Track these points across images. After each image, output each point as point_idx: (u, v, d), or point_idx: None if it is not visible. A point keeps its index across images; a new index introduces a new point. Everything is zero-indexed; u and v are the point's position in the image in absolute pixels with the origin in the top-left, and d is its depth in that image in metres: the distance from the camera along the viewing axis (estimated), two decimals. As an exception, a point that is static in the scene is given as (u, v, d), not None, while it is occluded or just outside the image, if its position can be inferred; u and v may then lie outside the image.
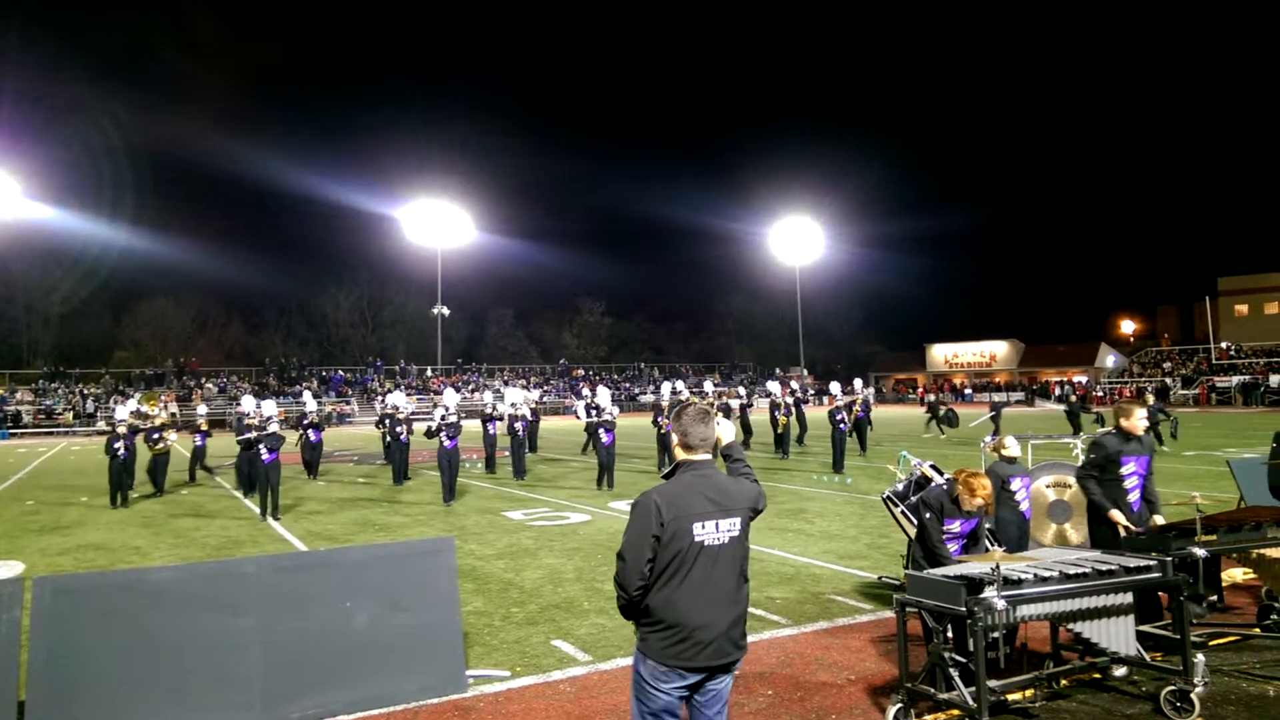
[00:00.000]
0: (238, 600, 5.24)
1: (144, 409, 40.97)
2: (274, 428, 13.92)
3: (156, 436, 16.33)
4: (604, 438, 16.41)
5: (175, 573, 5.60)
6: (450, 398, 17.55)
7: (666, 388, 23.09)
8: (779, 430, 22.07)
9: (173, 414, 16.26)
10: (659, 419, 18.89)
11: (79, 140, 60.00)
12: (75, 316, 61.83)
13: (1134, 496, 6.25)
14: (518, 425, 18.62)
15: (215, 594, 5.25)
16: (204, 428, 19.00)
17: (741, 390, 26.64)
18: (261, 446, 13.45)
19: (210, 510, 14.40)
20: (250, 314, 67.62)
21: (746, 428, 24.98)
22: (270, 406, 15.30)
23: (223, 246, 65.01)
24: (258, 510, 13.55)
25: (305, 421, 19.07)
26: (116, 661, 4.92)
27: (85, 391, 49.08)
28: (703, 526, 3.28)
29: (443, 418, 15.70)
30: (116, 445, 14.61)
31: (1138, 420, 6.35)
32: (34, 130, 58.33)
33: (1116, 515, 6.09)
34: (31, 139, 53.95)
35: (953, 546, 5.37)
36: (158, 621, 5.07)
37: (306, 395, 23.06)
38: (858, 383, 23.74)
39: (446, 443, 15.14)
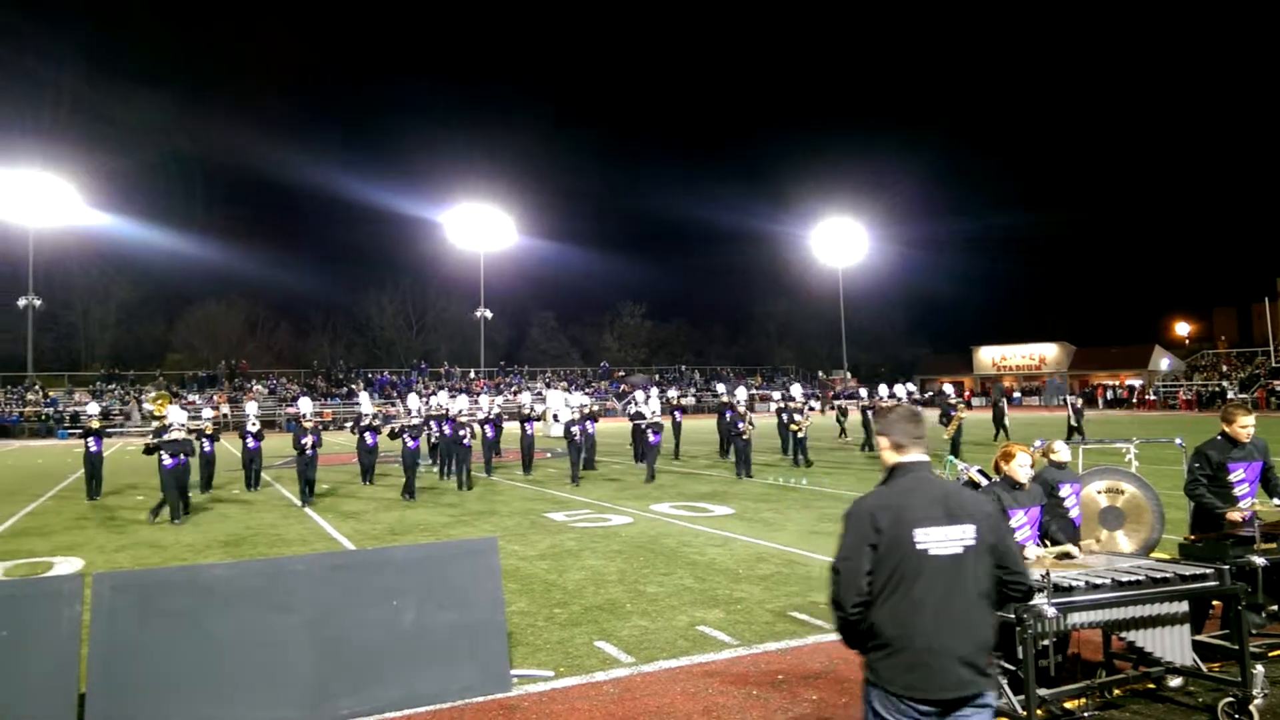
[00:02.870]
0: (289, 598, 5.34)
1: (152, 409, 41.73)
2: (178, 434, 13.88)
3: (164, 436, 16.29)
4: (651, 438, 17.55)
5: (228, 570, 5.73)
6: (413, 401, 18.11)
7: (742, 393, 22.44)
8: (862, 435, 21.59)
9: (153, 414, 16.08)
10: (730, 415, 19.01)
11: (135, 150, 61.83)
12: (130, 320, 63.69)
13: (1245, 505, 5.97)
14: (574, 430, 18.23)
15: (267, 591, 5.35)
16: (209, 431, 17.65)
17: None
18: (163, 452, 13.40)
19: (260, 509, 14.67)
20: (298, 318, 69.13)
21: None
22: (177, 413, 15.14)
23: (271, 252, 66.73)
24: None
25: (362, 424, 18.57)
26: (172, 656, 5.03)
27: (140, 393, 50.30)
28: (926, 534, 2.94)
29: (405, 419, 16.47)
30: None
31: (1240, 426, 6.05)
32: (92, 140, 60.03)
33: (1234, 514, 5.84)
34: (90, 149, 55.50)
35: (1027, 545, 5.22)
36: (211, 618, 5.18)
37: (363, 397, 23.08)
38: (911, 386, 23.50)
39: (410, 443, 15.82)
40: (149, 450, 13.72)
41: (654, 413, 18.20)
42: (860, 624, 2.96)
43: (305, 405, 17.62)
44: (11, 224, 49.98)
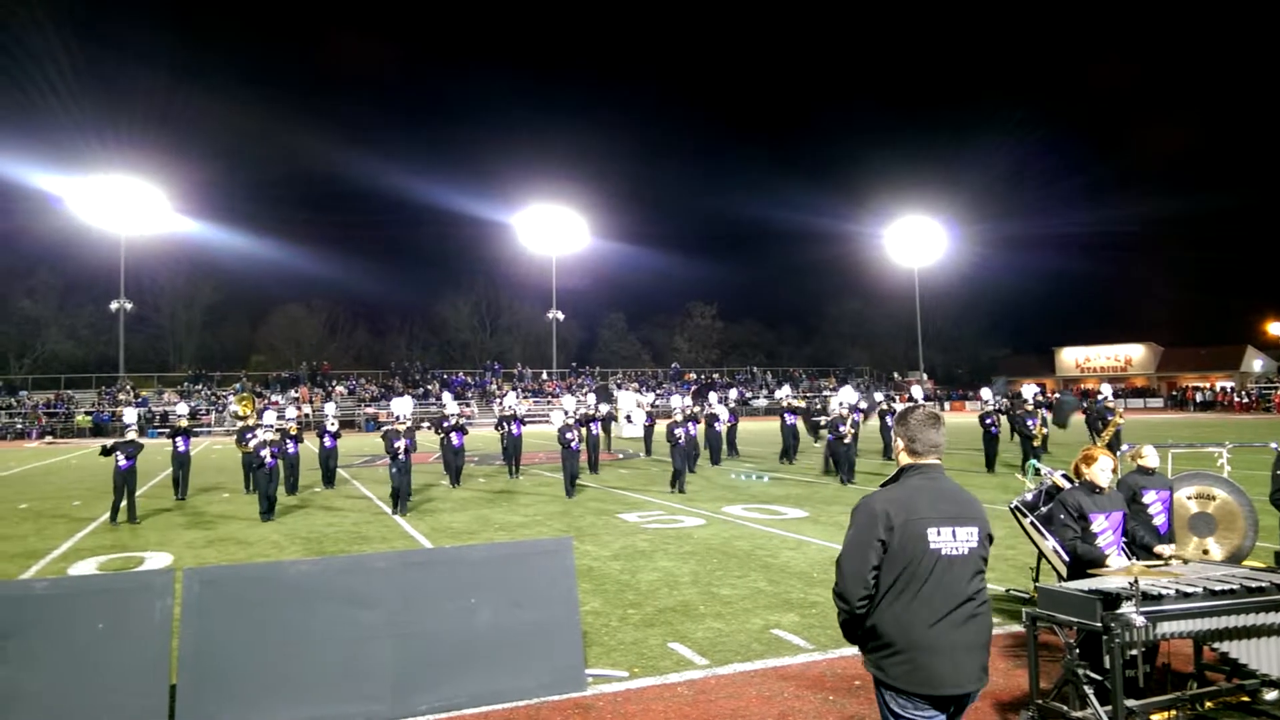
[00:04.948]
0: (369, 594, 5.47)
1: (237, 409, 43.08)
2: (132, 435, 14.32)
3: (249, 436, 16.35)
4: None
5: (311, 567, 5.89)
6: (405, 405, 18.37)
7: (848, 393, 21.21)
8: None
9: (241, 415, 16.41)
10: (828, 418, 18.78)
11: (220, 157, 64.12)
12: (215, 323, 66.29)
13: None
14: (678, 433, 17.17)
15: (348, 588, 5.49)
16: (294, 432, 17.71)
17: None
18: (119, 453, 13.72)
19: (340, 507, 15.06)
20: (376, 319, 70.99)
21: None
22: (130, 415, 15.62)
23: (350, 255, 68.66)
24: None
25: (447, 424, 18.33)
26: (257, 649, 5.20)
27: (226, 393, 52.14)
28: (938, 533, 2.96)
29: (397, 422, 16.48)
30: (263, 453, 14.37)
31: None
32: (179, 148, 62.45)
33: None
34: (177, 156, 57.72)
35: (1111, 551, 5.09)
36: (295, 613, 5.33)
37: (446, 397, 23.27)
38: (985, 392, 22.43)
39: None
40: (105, 451, 14.08)
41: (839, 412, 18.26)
42: (865, 619, 3.00)
43: (400, 407, 16.78)
44: (105, 230, 52.25)
